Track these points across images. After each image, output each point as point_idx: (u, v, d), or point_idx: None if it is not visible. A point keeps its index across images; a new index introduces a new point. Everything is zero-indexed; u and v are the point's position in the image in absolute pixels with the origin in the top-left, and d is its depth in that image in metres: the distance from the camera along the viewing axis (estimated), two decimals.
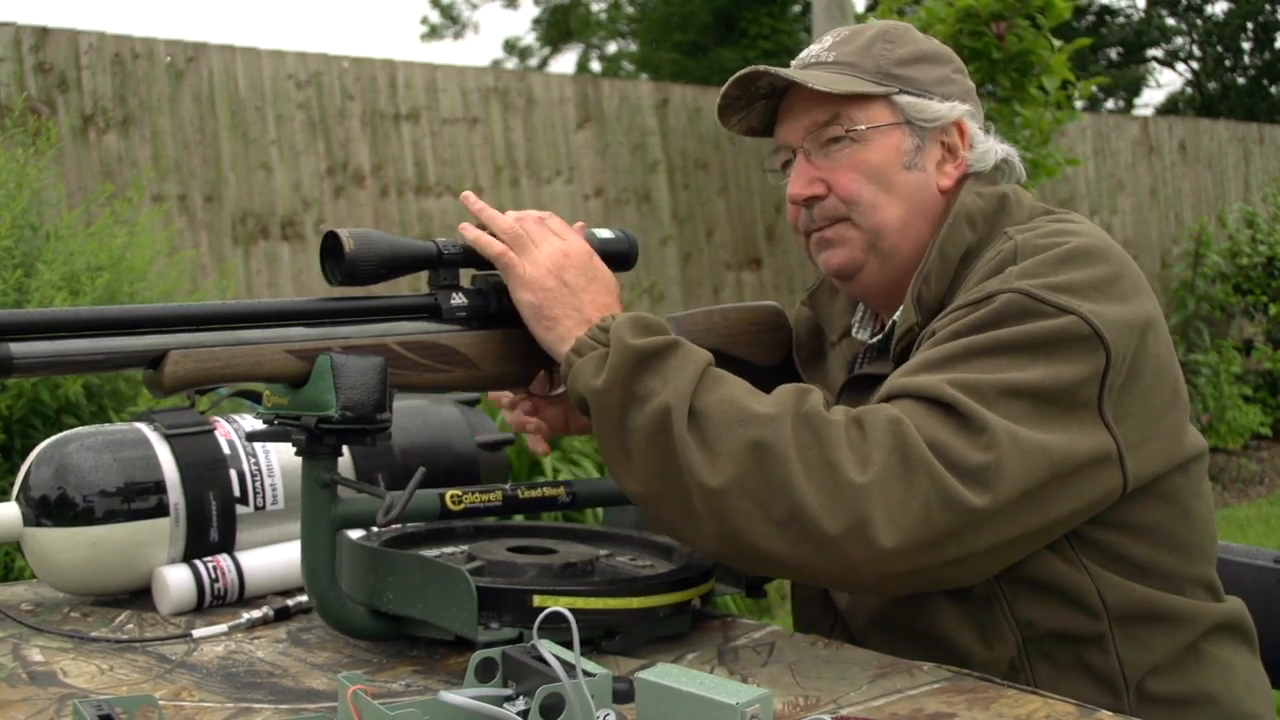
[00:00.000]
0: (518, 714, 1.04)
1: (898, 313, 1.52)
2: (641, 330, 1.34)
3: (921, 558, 1.22)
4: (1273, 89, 22.52)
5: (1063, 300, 1.32)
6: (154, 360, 1.27)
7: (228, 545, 1.67)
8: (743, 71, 1.52)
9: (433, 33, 24.33)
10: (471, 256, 1.46)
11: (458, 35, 27.10)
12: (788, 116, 1.56)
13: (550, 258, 1.42)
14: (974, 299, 1.36)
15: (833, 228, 1.53)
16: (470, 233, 1.46)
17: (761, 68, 1.51)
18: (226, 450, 1.68)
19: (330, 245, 1.38)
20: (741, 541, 1.25)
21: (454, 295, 1.46)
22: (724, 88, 1.54)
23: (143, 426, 1.67)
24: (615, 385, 1.30)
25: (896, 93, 1.51)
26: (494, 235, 1.45)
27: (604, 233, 1.55)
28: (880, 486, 1.20)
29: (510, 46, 24.33)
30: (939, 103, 1.53)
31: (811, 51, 1.57)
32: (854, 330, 1.64)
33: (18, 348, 1.20)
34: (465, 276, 1.50)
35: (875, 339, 1.58)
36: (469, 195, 1.50)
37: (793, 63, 1.60)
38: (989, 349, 1.30)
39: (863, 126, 1.50)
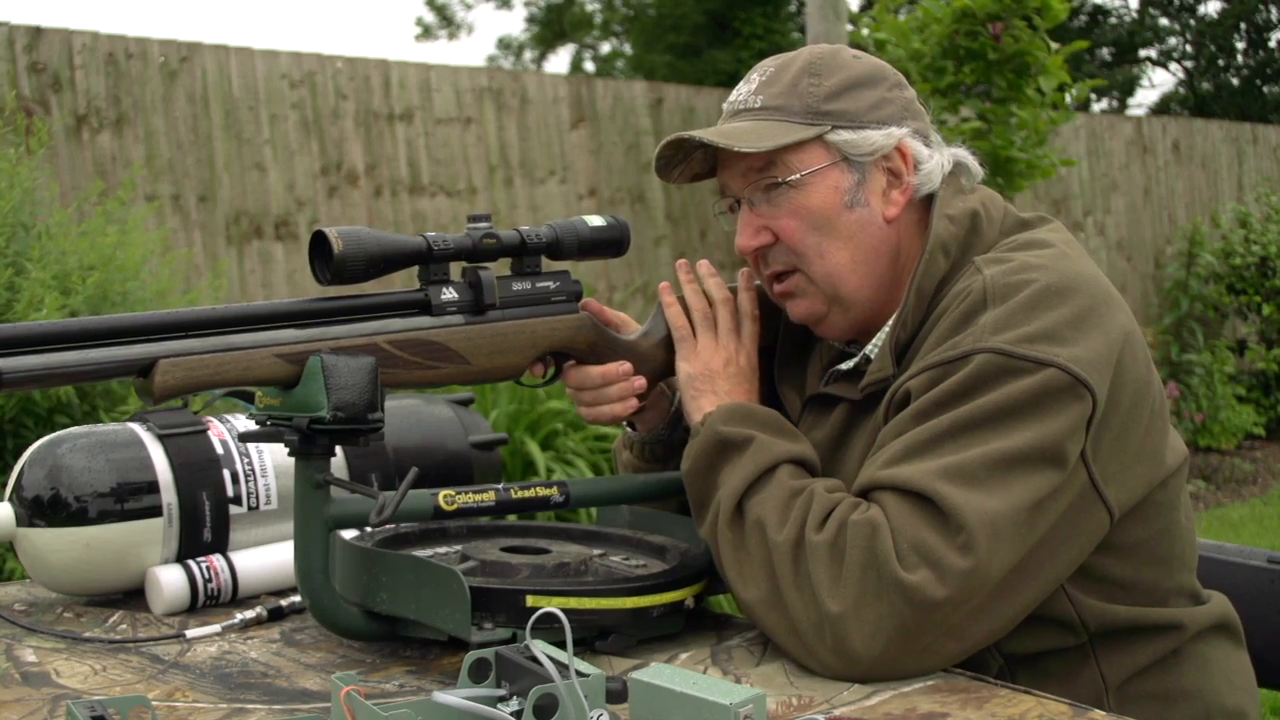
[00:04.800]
0: (511, 714, 1.04)
1: (870, 346, 1.52)
2: (734, 419, 1.44)
3: (909, 661, 1.27)
4: (1266, 89, 22.55)
5: (1040, 352, 1.30)
6: (144, 369, 1.26)
7: (221, 545, 1.66)
8: (669, 138, 1.52)
9: (426, 33, 24.31)
10: (462, 250, 1.46)
11: (452, 36, 27.09)
12: (726, 164, 1.54)
13: (722, 350, 1.56)
14: (948, 358, 1.34)
15: (790, 280, 1.53)
16: (669, 297, 1.60)
17: (685, 135, 1.49)
18: (220, 450, 1.67)
19: (319, 245, 1.37)
20: (765, 631, 1.36)
21: (444, 290, 1.45)
22: (657, 150, 1.53)
23: (136, 427, 1.67)
24: (699, 467, 1.44)
25: (829, 130, 1.47)
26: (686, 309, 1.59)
27: (595, 220, 1.55)
28: (854, 612, 1.25)
29: (505, 45, 24.32)
30: (874, 131, 1.48)
31: (740, 96, 1.54)
32: None
33: (6, 363, 1.20)
34: (455, 270, 1.49)
35: (846, 366, 1.56)
36: (683, 264, 1.64)
37: (725, 106, 1.57)
38: (973, 422, 1.30)
39: (797, 175, 1.47)
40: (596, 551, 1.55)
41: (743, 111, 1.52)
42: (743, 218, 1.53)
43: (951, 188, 1.52)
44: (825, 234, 1.49)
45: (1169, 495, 1.44)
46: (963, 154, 1.56)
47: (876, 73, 1.52)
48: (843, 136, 1.48)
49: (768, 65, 1.55)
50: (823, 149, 1.48)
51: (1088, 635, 1.40)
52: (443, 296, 1.45)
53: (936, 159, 1.52)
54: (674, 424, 1.66)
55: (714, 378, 1.54)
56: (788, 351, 1.67)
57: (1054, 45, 5.83)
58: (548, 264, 1.54)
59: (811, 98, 1.48)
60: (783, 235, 1.50)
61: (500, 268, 1.51)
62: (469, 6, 24.50)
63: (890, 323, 1.48)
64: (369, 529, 1.54)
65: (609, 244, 1.55)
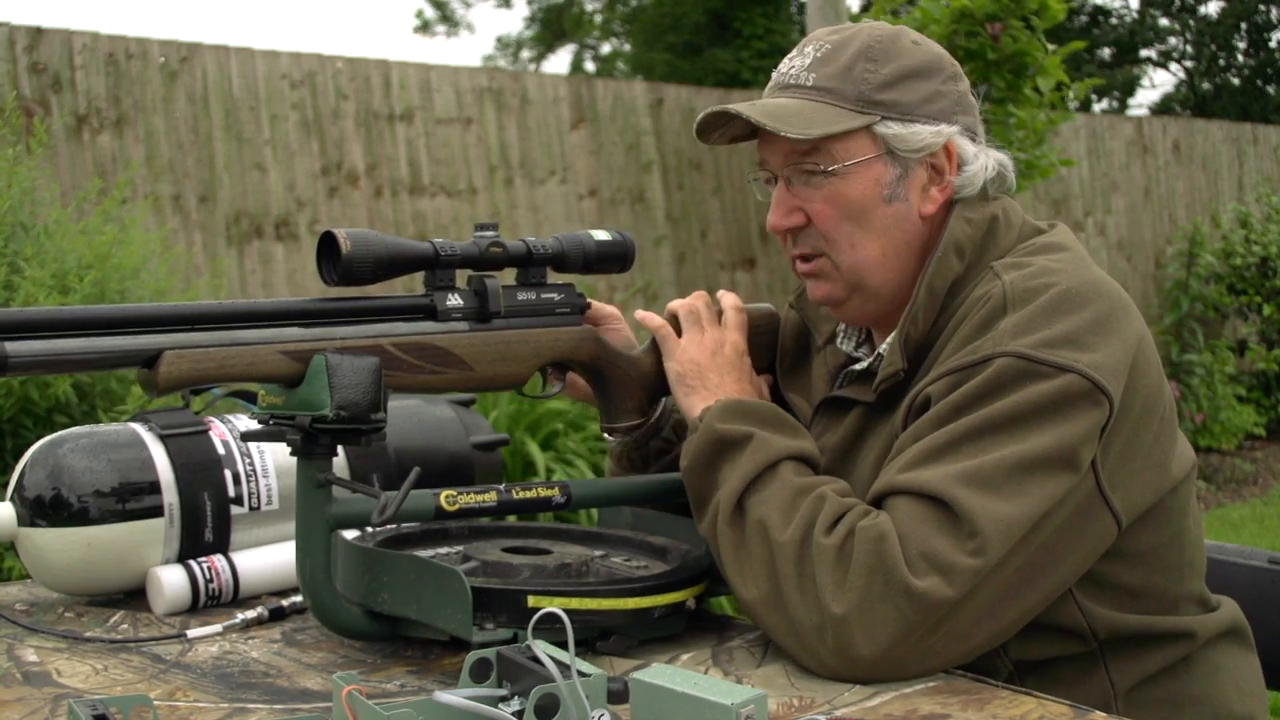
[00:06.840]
0: (512, 714, 1.04)
1: (883, 345, 1.51)
2: (731, 416, 1.43)
3: (912, 663, 1.27)
4: (1267, 89, 22.55)
5: (1060, 358, 1.30)
6: (149, 360, 1.27)
7: (222, 545, 1.67)
8: (713, 109, 1.49)
9: (425, 27, 24.30)
10: (468, 258, 1.46)
11: (450, 33, 27.08)
12: (768, 139, 1.50)
13: (707, 340, 1.56)
14: (968, 362, 1.34)
15: (814, 262, 1.51)
16: (641, 312, 1.64)
17: (733, 109, 1.46)
18: (221, 450, 1.67)
19: (327, 245, 1.38)
20: (765, 631, 1.36)
21: (450, 296, 1.46)
22: (700, 117, 1.51)
23: (137, 427, 1.67)
24: (697, 465, 1.43)
25: (878, 121, 1.44)
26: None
27: (600, 234, 1.55)
28: (858, 614, 1.25)
29: (505, 44, 24.32)
30: (925, 126, 1.45)
31: (791, 70, 1.49)
32: (839, 339, 1.62)
33: (12, 346, 1.20)
34: (461, 277, 1.49)
35: (860, 365, 1.55)
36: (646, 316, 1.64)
37: (771, 81, 1.52)
38: (991, 425, 1.29)
39: (838, 166, 1.44)
40: (598, 552, 1.55)
41: (792, 87, 1.47)
42: (778, 196, 1.50)
43: (980, 193, 1.50)
44: (859, 225, 1.46)
45: (1179, 501, 1.43)
46: (1005, 160, 1.52)
47: (934, 63, 1.49)
48: (892, 129, 1.45)
49: (824, 40, 1.49)
50: (869, 140, 1.45)
51: (1098, 643, 1.40)
52: (448, 303, 1.45)
53: (981, 160, 1.49)
54: (652, 433, 1.66)
55: (702, 372, 1.54)
56: (789, 359, 1.67)
57: (1051, 46, 5.84)
58: (552, 276, 1.55)
59: (865, 85, 1.44)
60: (815, 220, 1.48)
61: (505, 277, 1.51)
62: (468, 5, 24.50)
63: (900, 320, 1.46)
64: (370, 529, 1.54)
65: (614, 259, 1.56)
